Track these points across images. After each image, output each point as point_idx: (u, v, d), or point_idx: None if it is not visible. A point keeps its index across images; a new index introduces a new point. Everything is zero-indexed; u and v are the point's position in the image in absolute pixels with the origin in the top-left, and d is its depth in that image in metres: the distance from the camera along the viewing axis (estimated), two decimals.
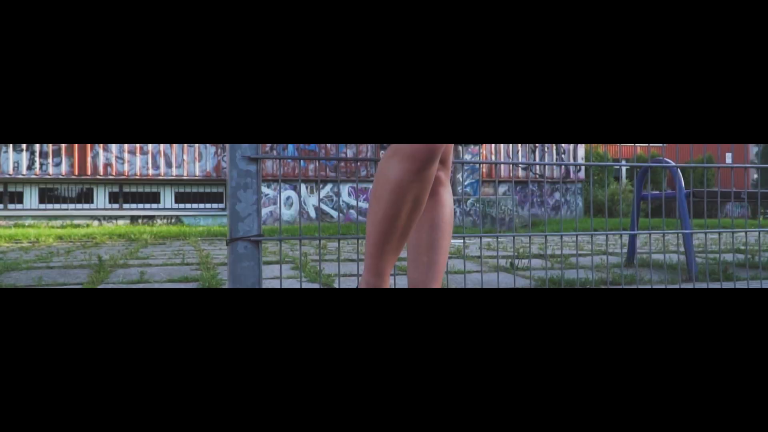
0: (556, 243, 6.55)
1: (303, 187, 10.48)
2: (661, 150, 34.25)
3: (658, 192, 3.75)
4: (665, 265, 2.79)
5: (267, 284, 3.03)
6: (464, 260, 1.97)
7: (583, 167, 12.20)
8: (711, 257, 4.40)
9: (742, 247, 5.57)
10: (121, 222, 9.97)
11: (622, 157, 32.76)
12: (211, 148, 10.31)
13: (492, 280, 3.19)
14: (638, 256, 4.24)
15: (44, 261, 4.23)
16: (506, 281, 3.16)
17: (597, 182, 13.63)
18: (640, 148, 34.11)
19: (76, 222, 9.77)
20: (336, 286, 2.94)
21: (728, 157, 31.63)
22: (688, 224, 3.41)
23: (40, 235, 7.63)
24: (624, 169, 32.60)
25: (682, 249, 5.07)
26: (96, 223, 9.87)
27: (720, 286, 2.79)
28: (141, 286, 3.02)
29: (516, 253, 4.19)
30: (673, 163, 3.12)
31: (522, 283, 3.18)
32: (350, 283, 3.10)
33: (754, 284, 3.14)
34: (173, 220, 10.19)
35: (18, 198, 9.94)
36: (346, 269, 3.72)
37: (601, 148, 31.22)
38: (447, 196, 1.43)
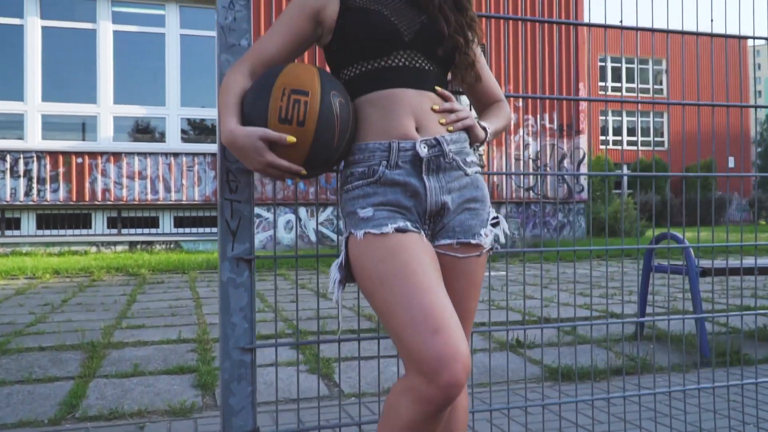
0: (565, 273, 6.43)
1: (303, 210, 10.38)
2: (665, 155, 34.21)
3: (665, 264, 3.62)
4: (681, 346, 2.68)
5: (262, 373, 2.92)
6: (471, 338, 1.86)
7: (585, 187, 12.08)
8: (720, 322, 4.30)
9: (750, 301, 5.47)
10: (119, 248, 9.87)
11: (624, 161, 32.74)
12: (210, 173, 10.20)
13: (501, 366, 3.08)
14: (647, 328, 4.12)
15: (35, 326, 4.12)
16: (515, 366, 3.04)
17: (600, 197, 13.52)
18: (641, 152, 34.10)
19: (74, 248, 9.66)
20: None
21: (731, 162, 31.55)
22: (700, 307, 3.30)
23: (36, 269, 7.53)
24: (625, 177, 32.51)
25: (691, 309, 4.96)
26: (94, 249, 9.77)
27: (739, 378, 2.67)
28: (135, 379, 2.92)
29: (515, 340, 4.10)
30: (685, 242, 3.00)
31: (532, 371, 3.06)
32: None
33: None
34: (172, 245, 10.09)
35: (15, 224, 9.83)
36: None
37: (602, 152, 31.18)
38: (462, 398, 1.36)
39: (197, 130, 10.72)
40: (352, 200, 1.29)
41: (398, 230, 1.21)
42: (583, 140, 12.08)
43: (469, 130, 1.36)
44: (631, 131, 35.32)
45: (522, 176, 11.32)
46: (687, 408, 2.40)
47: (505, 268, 7.95)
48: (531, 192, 11.61)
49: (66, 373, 3.01)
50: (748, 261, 3.78)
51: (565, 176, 11.74)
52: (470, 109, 1.42)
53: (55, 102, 9.98)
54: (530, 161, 11.66)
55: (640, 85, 34.89)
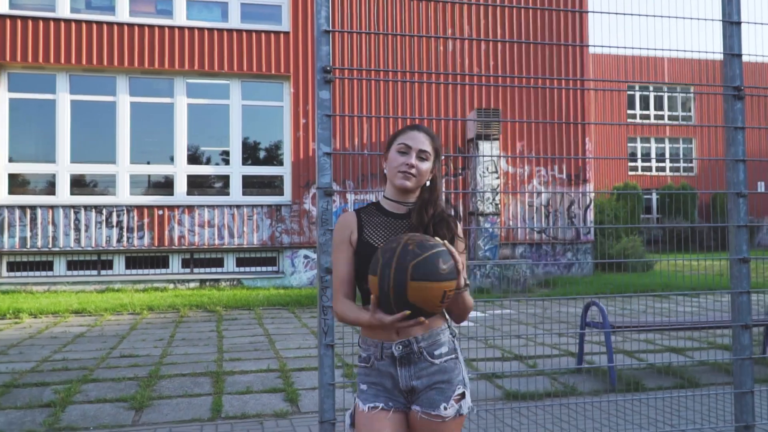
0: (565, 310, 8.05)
1: None
2: (694, 181, 34.93)
3: (592, 322, 5.30)
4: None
5: None
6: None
7: (592, 229, 13.63)
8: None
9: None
10: (192, 284, 11.83)
11: (652, 186, 33.77)
12: (266, 221, 12.13)
13: (479, 390, 4.81)
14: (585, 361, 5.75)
15: (167, 358, 5.99)
16: (487, 389, 4.76)
17: (601, 234, 14.95)
18: (670, 178, 34.93)
19: (155, 285, 11.66)
20: None
21: (760, 186, 32.33)
22: (611, 352, 4.97)
23: (134, 306, 9.51)
24: (654, 198, 33.48)
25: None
26: (171, 285, 11.75)
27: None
28: (248, 396, 4.73)
29: (492, 374, 5.77)
30: (603, 309, 4.70)
31: (497, 393, 4.78)
32: None
33: None
34: (235, 282, 12.01)
35: (109, 265, 11.91)
36: None
37: (631, 179, 32.18)
38: None
39: (257, 185, 12.68)
40: (359, 374, 1.99)
41: (374, 408, 1.89)
42: (590, 187, 13.65)
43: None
44: (661, 158, 35.93)
45: (534, 221, 12.97)
46: (595, 415, 4.11)
47: (509, 305, 9.60)
48: (543, 234, 13.24)
49: (205, 391, 4.86)
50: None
51: (573, 220, 13.33)
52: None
53: (140, 164, 12.09)
54: (542, 207, 13.30)
55: (668, 112, 35.71)
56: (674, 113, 36.00)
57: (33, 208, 11.45)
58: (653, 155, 35.54)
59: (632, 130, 34.26)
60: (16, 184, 11.78)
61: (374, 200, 2.13)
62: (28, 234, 11.41)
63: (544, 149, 13.08)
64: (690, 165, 36.37)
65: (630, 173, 33.82)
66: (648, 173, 34.74)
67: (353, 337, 3.77)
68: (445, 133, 12.91)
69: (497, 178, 12.50)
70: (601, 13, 3.52)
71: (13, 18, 11.51)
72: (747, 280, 3.75)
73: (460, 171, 12.92)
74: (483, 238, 12.21)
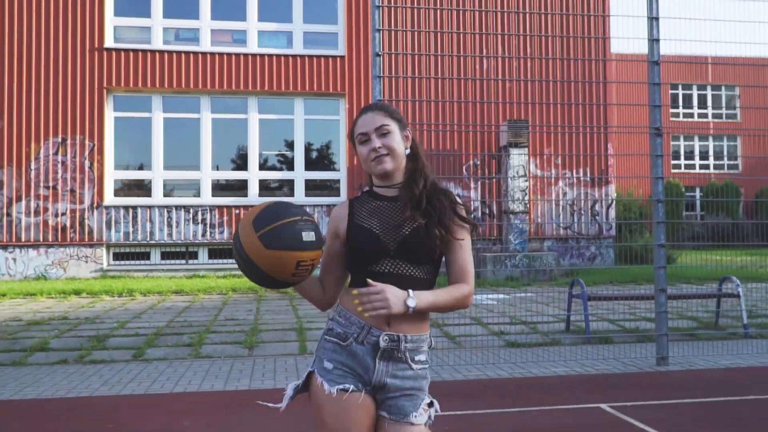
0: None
1: None
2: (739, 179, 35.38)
3: (576, 293, 7.06)
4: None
5: None
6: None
7: (613, 225, 15.16)
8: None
9: None
10: None
11: (696, 184, 34.49)
12: (325, 219, 14.17)
13: (489, 342, 6.65)
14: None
15: (265, 322, 8.03)
16: (493, 338, 6.59)
17: (627, 229, 16.40)
18: (713, 175, 35.49)
19: (233, 273, 13.83)
20: None
21: None
22: (587, 315, 6.75)
23: (220, 288, 11.66)
24: (698, 197, 34.20)
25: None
26: None
27: None
28: None
29: (500, 330, 7.60)
30: (582, 285, 6.51)
31: (495, 341, 6.62)
32: None
33: None
34: None
35: (195, 255, 14.17)
36: None
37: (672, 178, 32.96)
38: None
39: (317, 187, 14.74)
40: (323, 348, 1.84)
41: (343, 390, 1.74)
42: (611, 188, 15.20)
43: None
44: (704, 155, 36.38)
45: (561, 218, 14.64)
46: (565, 355, 5.93)
47: (533, 290, 11.36)
48: (569, 230, 14.89)
49: (293, 339, 6.86)
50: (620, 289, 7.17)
51: (596, 217, 14.92)
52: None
53: (220, 171, 14.32)
54: (567, 206, 14.94)
55: (713, 111, 36.22)
56: (719, 111, 36.33)
57: (134, 208, 13.79)
58: (696, 153, 36.13)
59: (675, 128, 34.99)
60: (120, 188, 14.16)
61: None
62: (130, 229, 13.75)
63: (569, 154, 14.70)
64: (735, 162, 36.65)
65: (673, 171, 34.45)
66: (691, 171, 35.41)
67: None
68: (480, 141, 14.69)
69: (526, 180, 14.21)
70: (678, 18, 5.33)
71: (117, 50, 13.87)
72: (663, 260, 5.52)
73: (493, 174, 14.68)
74: (513, 233, 13.95)
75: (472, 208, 14.51)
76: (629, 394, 4.69)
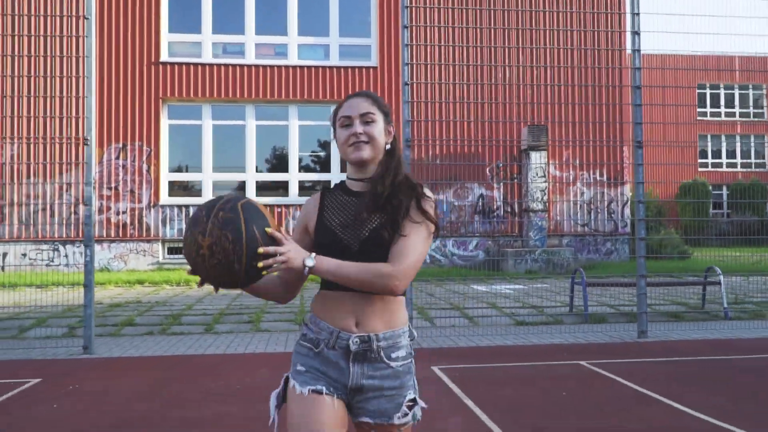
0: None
1: None
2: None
3: (577, 281, 8.18)
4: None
5: None
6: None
7: (629, 222, 16.12)
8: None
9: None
10: None
11: (723, 182, 34.94)
12: None
13: (501, 321, 7.83)
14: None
15: (300, 313, 9.32)
16: (507, 320, 7.76)
17: (652, 227, 17.33)
18: (740, 174, 35.85)
19: None
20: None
21: None
22: (586, 298, 7.89)
23: None
24: (725, 195, 34.66)
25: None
26: None
27: None
28: None
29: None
30: (582, 274, 7.65)
31: (506, 321, 7.79)
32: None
33: None
34: None
35: None
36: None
37: (700, 176, 33.44)
38: None
39: None
40: (297, 352, 1.81)
41: (315, 391, 1.70)
42: (627, 188, 16.17)
43: (287, 268, 1.62)
44: (731, 153, 36.68)
45: (578, 216, 15.69)
46: (566, 330, 7.10)
47: (549, 281, 12.46)
48: (586, 227, 15.92)
49: None
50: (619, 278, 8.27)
51: (612, 215, 15.93)
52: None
53: (264, 173, 15.71)
54: (584, 205, 15.97)
55: (739, 109, 36.54)
56: (746, 110, 36.60)
57: (186, 206, 15.25)
58: (724, 151, 36.50)
59: (702, 127, 35.45)
60: (174, 188, 15.64)
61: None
62: (183, 226, 15.21)
63: (587, 156, 15.73)
64: (763, 161, 36.92)
65: (700, 169, 34.90)
66: (719, 169, 35.85)
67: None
68: (503, 145, 15.81)
69: (545, 181, 15.29)
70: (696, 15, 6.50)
71: (171, 64, 15.33)
72: (643, 251, 6.64)
73: (515, 176, 15.80)
74: (533, 230, 15.06)
75: (495, 207, 15.69)
76: (606, 356, 5.85)
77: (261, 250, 1.57)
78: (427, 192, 1.83)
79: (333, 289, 1.77)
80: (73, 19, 14.12)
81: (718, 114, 36.88)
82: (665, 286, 9.23)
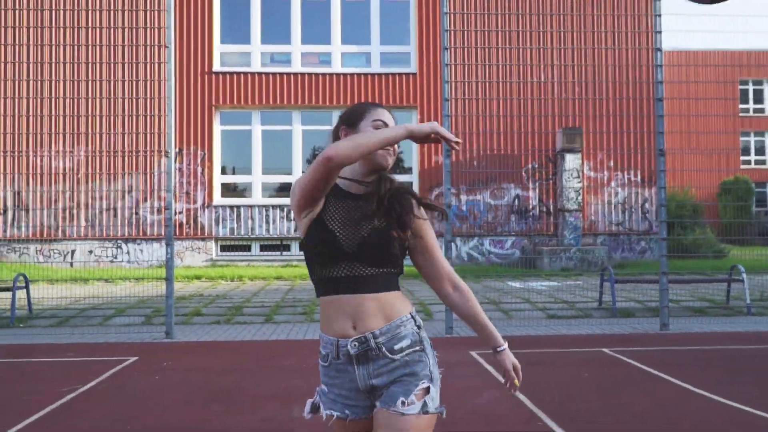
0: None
1: (458, 240, 16.06)
2: None
3: (606, 278, 8.79)
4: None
5: None
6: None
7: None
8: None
9: None
10: None
11: (767, 180, 34.65)
12: None
13: (533, 315, 8.50)
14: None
15: None
16: (538, 314, 8.42)
17: (680, 226, 17.65)
18: None
19: None
20: None
21: None
22: (614, 295, 8.50)
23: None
24: None
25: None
26: None
27: None
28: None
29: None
30: (611, 271, 8.28)
31: (538, 314, 8.44)
32: None
33: None
34: None
35: (288, 248, 16.50)
36: None
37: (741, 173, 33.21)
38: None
39: None
40: (321, 372, 1.88)
41: (329, 416, 1.81)
42: None
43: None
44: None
45: (612, 215, 16.17)
46: (594, 323, 7.75)
47: (583, 279, 13.01)
48: (620, 226, 16.38)
49: None
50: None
51: (646, 214, 16.35)
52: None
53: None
54: (619, 205, 16.43)
55: None
56: None
57: (237, 207, 16.24)
58: None
59: (745, 123, 35.15)
60: (226, 190, 16.66)
61: None
62: (234, 225, 16.22)
63: (620, 157, 16.19)
64: None
65: (742, 167, 34.59)
66: (762, 167, 35.51)
67: None
68: (538, 146, 16.37)
69: (579, 182, 15.80)
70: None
71: (223, 73, 16.34)
72: (665, 250, 7.24)
73: (550, 177, 16.36)
74: (568, 229, 15.60)
75: (530, 206, 16.27)
76: (627, 344, 6.49)
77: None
78: (416, 195, 1.93)
79: (329, 293, 1.80)
80: (155, 47, 15.20)
81: (762, 110, 36.45)
82: (690, 284, 9.76)
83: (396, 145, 1.83)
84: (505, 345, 1.97)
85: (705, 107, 33.41)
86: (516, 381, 1.95)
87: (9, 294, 8.64)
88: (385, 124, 1.88)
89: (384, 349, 1.77)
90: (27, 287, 8.70)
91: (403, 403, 1.72)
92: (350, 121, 1.93)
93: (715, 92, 32.16)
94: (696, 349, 6.39)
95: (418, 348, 1.81)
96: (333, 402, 1.82)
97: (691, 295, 10.27)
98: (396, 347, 1.77)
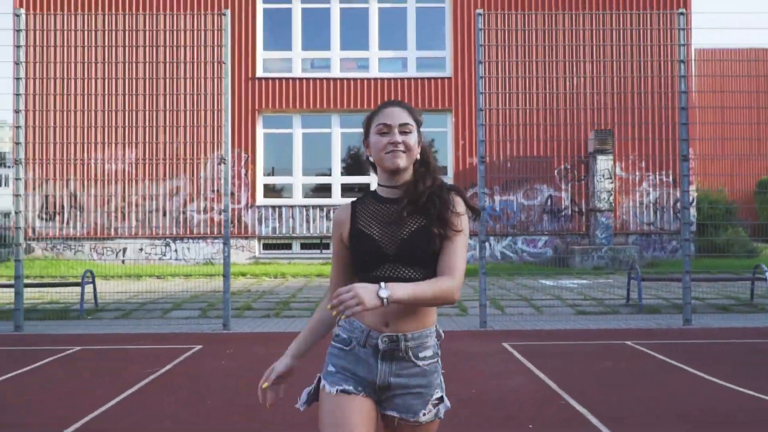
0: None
1: (491, 239, 16.54)
2: None
3: (634, 276, 9.23)
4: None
5: None
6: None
7: (694, 222, 16.69)
8: None
9: None
10: None
11: None
12: None
13: (562, 312, 8.99)
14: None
15: None
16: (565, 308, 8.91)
17: (713, 226, 17.82)
18: None
19: None
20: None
21: None
22: (640, 291, 8.94)
23: None
24: None
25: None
26: None
27: None
28: None
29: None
30: (638, 269, 8.74)
31: (568, 311, 8.93)
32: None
33: None
34: None
35: (327, 246, 17.18)
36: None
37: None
38: None
39: None
40: (330, 353, 1.92)
41: (343, 391, 1.80)
42: (693, 188, 16.75)
43: (364, 310, 1.60)
44: None
45: (644, 215, 16.47)
46: (621, 319, 8.23)
47: (614, 278, 13.40)
48: (651, 226, 16.67)
49: None
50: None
51: (678, 214, 16.59)
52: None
53: (347, 176, 17.28)
54: (651, 205, 16.71)
55: None
56: None
57: (279, 207, 17.00)
58: None
59: None
60: (268, 190, 17.44)
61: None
62: (276, 225, 16.98)
63: (653, 158, 16.47)
64: None
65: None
66: None
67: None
68: (570, 149, 16.75)
69: (611, 182, 16.14)
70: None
71: (265, 79, 17.10)
72: (689, 250, 7.67)
73: (582, 177, 16.72)
74: (599, 229, 15.96)
75: (563, 206, 16.67)
76: (650, 338, 6.96)
77: (329, 306, 1.67)
78: (461, 193, 1.93)
79: None
80: (216, 64, 16.03)
81: None
82: (717, 282, 10.15)
83: (413, 141, 1.89)
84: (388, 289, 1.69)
85: (737, 103, 33.13)
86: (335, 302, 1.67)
87: (69, 288, 9.48)
88: (388, 126, 1.89)
89: (411, 353, 1.84)
90: (93, 282, 9.54)
91: (423, 414, 1.86)
92: (365, 133, 2.00)
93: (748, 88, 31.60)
94: (712, 342, 6.84)
95: (435, 360, 1.91)
96: (345, 380, 1.86)
97: (718, 293, 10.63)
98: (421, 354, 1.86)
